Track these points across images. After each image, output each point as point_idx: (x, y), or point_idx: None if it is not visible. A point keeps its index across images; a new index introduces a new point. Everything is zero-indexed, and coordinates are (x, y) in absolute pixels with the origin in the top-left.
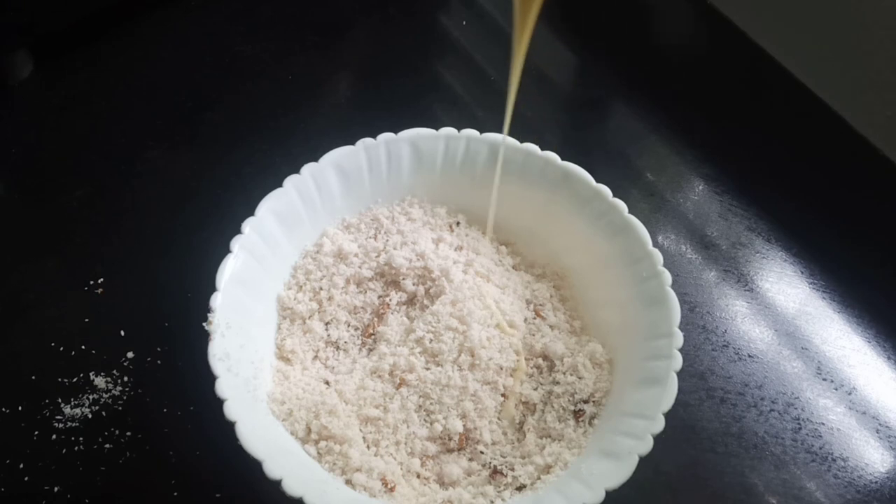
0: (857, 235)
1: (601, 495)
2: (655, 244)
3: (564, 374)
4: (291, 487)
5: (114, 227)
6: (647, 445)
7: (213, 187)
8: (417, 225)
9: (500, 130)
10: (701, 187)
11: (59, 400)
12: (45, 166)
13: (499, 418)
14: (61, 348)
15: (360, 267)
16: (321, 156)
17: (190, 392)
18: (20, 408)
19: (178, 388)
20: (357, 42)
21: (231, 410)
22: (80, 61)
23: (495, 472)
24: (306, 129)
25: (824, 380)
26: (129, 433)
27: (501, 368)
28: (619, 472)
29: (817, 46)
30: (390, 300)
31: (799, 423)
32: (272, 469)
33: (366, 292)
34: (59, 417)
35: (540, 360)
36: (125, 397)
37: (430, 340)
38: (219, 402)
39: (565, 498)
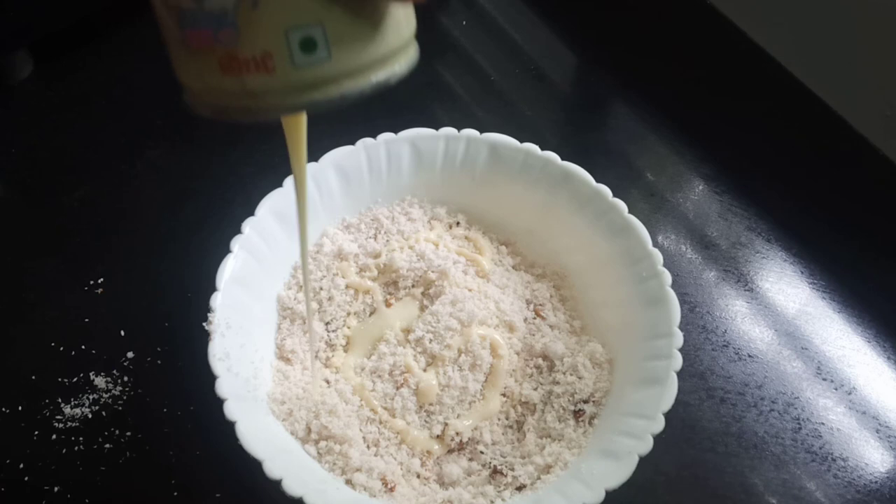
0: (857, 235)
1: (601, 495)
2: (655, 244)
3: (564, 374)
4: (291, 487)
5: (114, 227)
6: (647, 445)
7: (213, 187)
8: (417, 225)
9: (500, 131)
10: (701, 187)
11: (60, 400)
12: (45, 166)
13: (498, 418)
14: (61, 348)
15: (360, 267)
16: (321, 156)
17: (190, 392)
18: (20, 408)
19: (178, 388)
20: None
21: (231, 410)
22: (80, 61)
23: (495, 472)
24: (306, 129)
25: (824, 380)
26: (129, 433)
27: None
28: (618, 472)
29: (817, 46)
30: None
31: (799, 423)
32: (272, 469)
33: (367, 292)
34: (59, 417)
35: (540, 360)
36: (125, 397)
37: (430, 340)
38: (219, 402)
39: (565, 498)
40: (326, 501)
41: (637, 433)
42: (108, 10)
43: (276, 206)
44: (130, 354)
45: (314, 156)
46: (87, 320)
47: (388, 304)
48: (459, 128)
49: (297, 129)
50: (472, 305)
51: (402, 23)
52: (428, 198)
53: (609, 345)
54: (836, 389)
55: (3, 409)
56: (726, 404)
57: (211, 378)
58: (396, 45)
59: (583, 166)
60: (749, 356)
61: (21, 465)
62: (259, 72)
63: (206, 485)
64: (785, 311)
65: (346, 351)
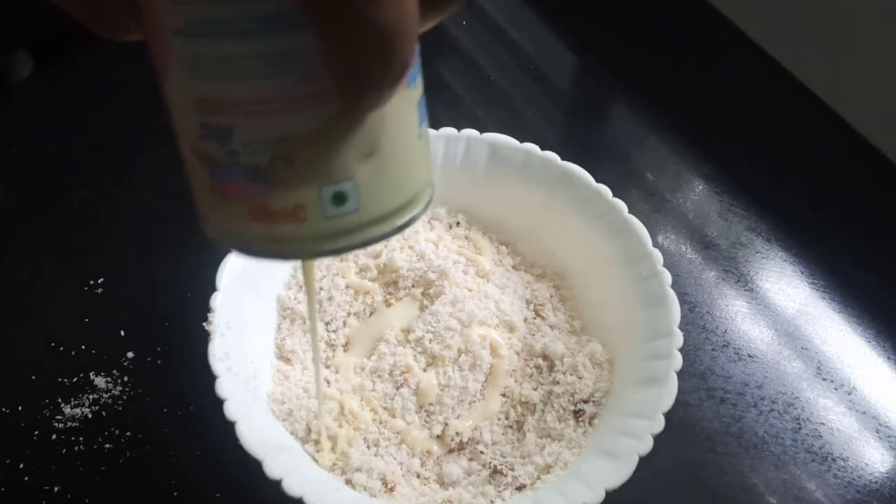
0: (857, 235)
1: (601, 495)
2: (655, 244)
3: (564, 373)
4: (291, 487)
5: (114, 227)
6: (646, 445)
7: None
8: (417, 225)
9: (500, 131)
10: (701, 187)
11: (59, 400)
12: (45, 166)
13: (498, 418)
14: (61, 348)
15: (360, 267)
16: None
17: (190, 392)
18: (20, 408)
19: (177, 388)
20: None
21: (231, 410)
22: (80, 61)
23: (495, 472)
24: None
25: (824, 380)
26: (128, 433)
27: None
28: (618, 472)
29: (817, 47)
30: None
31: (799, 423)
32: (272, 469)
33: (366, 293)
34: (59, 417)
35: (540, 360)
36: (125, 397)
37: (430, 340)
38: (219, 402)
39: (565, 498)
40: (326, 501)
41: (637, 433)
42: None
43: None
44: (130, 354)
45: None
46: (87, 320)
47: (388, 304)
48: (459, 128)
49: (309, 265)
50: (472, 305)
51: (423, 168)
52: None
53: (609, 345)
54: (836, 389)
55: (3, 409)
56: (726, 404)
57: (211, 378)
58: (417, 189)
59: (583, 166)
60: (749, 356)
61: (21, 465)
62: (289, 222)
63: (205, 485)
64: (785, 311)
65: (345, 351)
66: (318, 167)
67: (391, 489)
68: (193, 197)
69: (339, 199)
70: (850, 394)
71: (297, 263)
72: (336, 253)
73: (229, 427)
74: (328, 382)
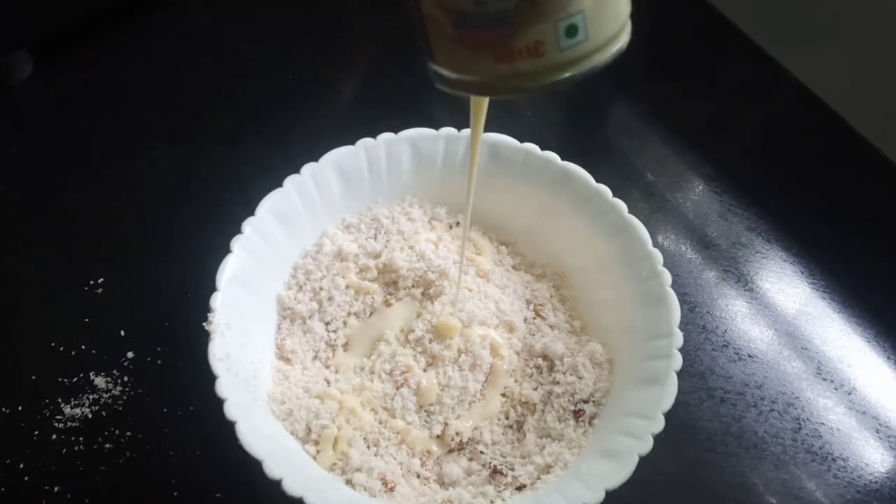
0: (857, 236)
1: (601, 495)
2: (655, 244)
3: (564, 373)
4: (291, 487)
5: (114, 226)
6: (647, 445)
7: (212, 187)
8: (417, 225)
9: (500, 130)
10: (701, 187)
11: (60, 400)
12: (45, 166)
13: (498, 418)
14: (61, 348)
15: (360, 268)
16: (321, 156)
17: (190, 392)
18: (20, 408)
19: (178, 388)
20: (357, 42)
21: (231, 410)
22: (80, 61)
23: (495, 472)
24: (306, 129)
25: (824, 380)
26: (129, 433)
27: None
28: (619, 472)
29: (817, 47)
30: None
31: (799, 423)
32: (272, 469)
33: (367, 293)
34: (59, 417)
35: (540, 360)
36: (125, 397)
37: (430, 340)
38: (219, 402)
39: (565, 498)
40: (326, 501)
41: (637, 433)
42: (108, 10)
43: (276, 206)
44: (130, 354)
45: (314, 156)
46: (87, 320)
47: (388, 304)
48: (459, 128)
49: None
50: (472, 305)
51: None
52: (428, 198)
53: (609, 345)
54: (836, 389)
55: (4, 409)
56: (726, 404)
57: (211, 378)
58: (625, 18)
59: (583, 166)
60: (749, 356)
61: (21, 465)
62: (531, 57)
63: (206, 485)
64: (785, 311)
65: (346, 351)
66: (555, 4)
67: (391, 489)
68: (432, 55)
69: (572, 31)
70: (849, 394)
71: (291, 265)
72: (568, 81)
73: (229, 427)
74: (328, 382)
